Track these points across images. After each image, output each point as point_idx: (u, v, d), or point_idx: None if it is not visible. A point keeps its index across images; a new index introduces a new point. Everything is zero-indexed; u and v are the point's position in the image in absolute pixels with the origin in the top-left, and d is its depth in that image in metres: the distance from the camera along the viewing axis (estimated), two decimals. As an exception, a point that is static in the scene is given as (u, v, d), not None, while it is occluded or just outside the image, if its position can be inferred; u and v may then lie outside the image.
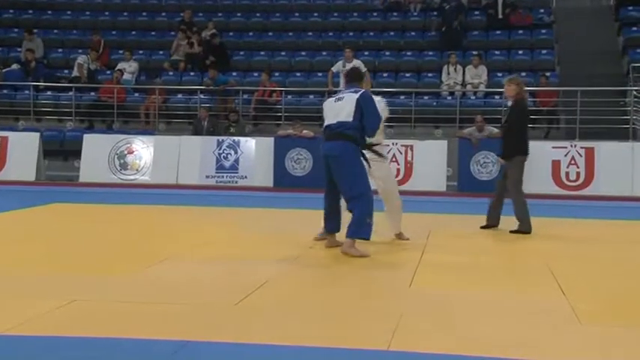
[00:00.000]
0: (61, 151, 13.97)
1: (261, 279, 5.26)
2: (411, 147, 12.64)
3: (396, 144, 12.65)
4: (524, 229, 7.64)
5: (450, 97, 14.95)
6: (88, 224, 8.28)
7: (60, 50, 16.91)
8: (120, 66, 15.56)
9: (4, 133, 13.38)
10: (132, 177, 13.01)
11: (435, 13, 17.14)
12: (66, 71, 15.95)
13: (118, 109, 14.63)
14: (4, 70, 15.51)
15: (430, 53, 16.29)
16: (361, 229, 6.15)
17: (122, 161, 13.09)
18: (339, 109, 6.27)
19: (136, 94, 15.44)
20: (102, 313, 4.35)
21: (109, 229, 7.75)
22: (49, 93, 15.36)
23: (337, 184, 6.28)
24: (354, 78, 6.59)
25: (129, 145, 13.18)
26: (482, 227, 7.91)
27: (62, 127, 14.61)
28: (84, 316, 4.30)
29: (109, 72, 15.72)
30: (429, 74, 15.77)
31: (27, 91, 15.12)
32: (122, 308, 4.45)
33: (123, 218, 8.98)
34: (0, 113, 14.84)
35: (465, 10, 16.99)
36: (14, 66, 15.61)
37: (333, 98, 6.46)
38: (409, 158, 12.57)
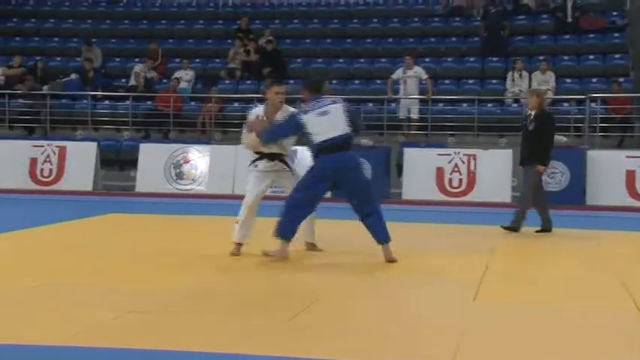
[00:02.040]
0: (117, 161, 14.30)
1: (314, 291, 5.27)
2: (474, 156, 12.49)
3: (459, 153, 12.53)
4: (513, 226, 8.37)
5: (515, 105, 14.73)
6: (144, 235, 8.44)
7: (117, 59, 17.35)
8: (176, 74, 15.86)
9: (63, 142, 13.76)
10: (188, 187, 13.21)
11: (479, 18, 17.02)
12: (123, 80, 16.34)
13: (174, 118, 14.91)
14: (63, 80, 15.98)
15: (494, 59, 16.11)
16: (388, 233, 6.42)
17: (178, 171, 13.31)
18: (332, 121, 6.40)
19: (193, 103, 15.71)
20: (157, 325, 4.42)
21: (164, 240, 7.88)
22: (106, 102, 15.76)
23: (355, 194, 6.40)
24: (318, 89, 6.71)
25: (185, 155, 13.40)
26: (536, 231, 8.48)
27: (119, 137, 14.97)
28: (140, 327, 4.37)
29: (165, 81, 16.04)
30: (493, 81, 15.57)
31: (85, 101, 15.55)
32: (177, 320, 4.52)
33: (179, 229, 9.12)
34: (58, 123, 15.29)
35: (508, 15, 16.80)
36: (73, 76, 16.07)
37: (314, 113, 6.42)
38: (472, 168, 12.43)
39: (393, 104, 14.81)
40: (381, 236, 6.39)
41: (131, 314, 4.60)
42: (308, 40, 17.55)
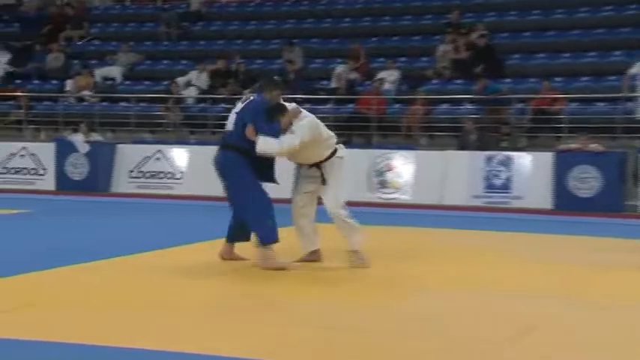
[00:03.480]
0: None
1: (532, 318, 5.03)
2: None
3: None
4: None
5: None
6: (344, 245, 8.56)
7: (319, 60, 17.87)
8: (380, 75, 16.01)
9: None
10: (391, 196, 13.27)
11: None
12: (325, 82, 16.77)
13: (377, 122, 15.05)
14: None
15: None
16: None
17: (381, 179, 13.41)
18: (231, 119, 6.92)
19: (397, 106, 15.78)
20: (352, 344, 4.44)
21: (367, 252, 7.94)
22: (307, 105, 16.25)
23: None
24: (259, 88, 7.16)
25: (388, 162, 13.47)
26: None
27: (320, 142, 15.35)
28: (332, 345, 4.42)
29: (368, 82, 16.25)
30: None
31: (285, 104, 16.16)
32: (375, 340, 4.51)
33: (381, 240, 9.17)
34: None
35: None
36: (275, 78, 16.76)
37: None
38: None
39: (630, 103, 13.90)
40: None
41: (324, 330, 4.66)
42: (527, 33, 17.00)
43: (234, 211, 6.94)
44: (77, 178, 14.50)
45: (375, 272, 6.82)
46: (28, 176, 14.94)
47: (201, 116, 16.34)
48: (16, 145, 15.26)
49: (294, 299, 5.78)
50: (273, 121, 6.71)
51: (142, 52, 18.66)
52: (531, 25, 17.15)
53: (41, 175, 14.90)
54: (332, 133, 7.14)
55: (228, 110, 17.51)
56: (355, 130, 15.36)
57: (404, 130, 15.16)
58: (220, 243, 7.10)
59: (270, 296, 5.87)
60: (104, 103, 16.88)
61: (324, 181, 6.93)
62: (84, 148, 14.49)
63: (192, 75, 16.79)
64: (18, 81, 18.07)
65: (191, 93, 16.66)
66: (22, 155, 15.06)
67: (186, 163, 14.46)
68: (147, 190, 14.16)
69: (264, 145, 6.63)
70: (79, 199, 13.58)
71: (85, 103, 17.03)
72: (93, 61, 18.38)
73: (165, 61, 18.48)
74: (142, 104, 16.48)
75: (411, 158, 13.49)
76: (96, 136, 14.85)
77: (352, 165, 13.70)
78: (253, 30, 19.31)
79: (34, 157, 15.00)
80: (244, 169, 6.74)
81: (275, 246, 6.76)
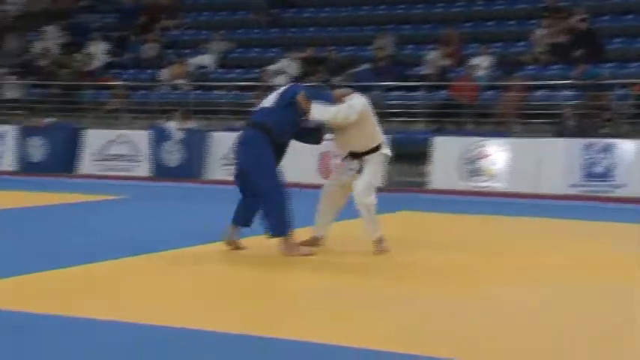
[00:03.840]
0: (408, 155, 14.54)
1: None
2: None
3: None
4: None
5: None
6: (437, 235, 8.48)
7: (410, 46, 17.70)
8: (473, 61, 15.75)
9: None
10: (484, 184, 13.06)
11: None
12: (416, 68, 16.61)
13: (470, 109, 14.82)
14: (354, 71, 16.69)
15: None
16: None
17: (474, 166, 13.22)
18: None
19: (491, 92, 15.49)
20: (446, 335, 4.38)
21: (458, 241, 7.83)
22: (397, 93, 16.15)
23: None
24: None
25: (481, 149, 13.26)
26: None
27: (410, 129, 15.25)
28: (423, 336, 4.37)
29: (461, 68, 16.01)
30: None
31: (376, 92, 16.08)
32: (471, 332, 4.43)
33: (473, 229, 9.03)
34: (351, 115, 15.98)
35: None
36: (364, 65, 16.70)
37: None
38: None
39: None
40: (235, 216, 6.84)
41: (422, 320, 4.61)
42: (630, 16, 16.37)
43: (250, 197, 6.81)
44: (171, 165, 14.82)
45: (472, 264, 6.71)
46: (124, 163, 15.36)
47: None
48: (113, 133, 15.72)
49: (391, 291, 5.74)
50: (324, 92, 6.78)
51: (234, 40, 18.89)
52: (634, 7, 16.50)
53: (137, 161, 15.29)
54: (379, 129, 7.05)
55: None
56: (447, 117, 15.17)
57: (498, 117, 14.89)
58: (309, 231, 7.10)
59: (374, 288, 5.86)
60: (197, 91, 17.18)
61: (360, 171, 6.85)
62: (178, 135, 14.80)
63: (283, 63, 16.88)
64: (115, 70, 18.59)
65: (281, 81, 16.76)
66: (119, 142, 15.49)
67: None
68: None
69: (319, 111, 6.59)
70: (174, 185, 13.88)
71: (179, 92, 17.37)
72: (186, 50, 18.73)
73: (256, 49, 18.65)
74: (234, 92, 16.70)
75: (504, 145, 13.24)
76: (190, 124, 15.14)
77: (443, 153, 13.63)
78: (345, 16, 19.26)
79: (131, 144, 15.42)
80: (265, 149, 6.66)
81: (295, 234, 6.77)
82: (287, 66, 16.83)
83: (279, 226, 6.66)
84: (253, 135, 6.74)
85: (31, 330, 4.44)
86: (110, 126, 16.59)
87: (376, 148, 6.90)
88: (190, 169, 14.68)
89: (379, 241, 6.92)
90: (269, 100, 6.90)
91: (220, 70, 18.03)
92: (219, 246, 7.00)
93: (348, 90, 7.04)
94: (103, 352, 4.06)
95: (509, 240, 8.07)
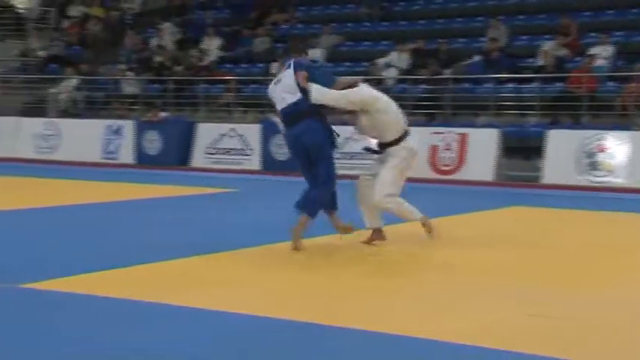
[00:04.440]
0: (521, 149, 14.21)
1: None
2: None
3: None
4: None
5: None
6: (550, 231, 8.24)
7: (524, 37, 17.25)
8: (592, 51, 15.20)
9: (464, 129, 14.16)
10: (603, 179, 12.60)
11: None
12: (530, 60, 16.19)
13: (588, 101, 14.32)
14: (465, 63, 16.43)
15: None
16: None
17: (592, 160, 12.77)
18: (281, 91, 6.85)
19: (611, 83, 14.91)
20: (561, 332, 4.24)
21: (573, 238, 7.59)
22: (510, 85, 15.79)
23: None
24: (290, 50, 7.18)
25: (600, 143, 12.80)
26: None
27: (523, 122, 14.87)
28: (542, 331, 4.25)
29: (578, 59, 15.49)
30: None
31: (488, 84, 15.77)
32: (585, 330, 4.28)
33: (588, 226, 8.73)
34: (459, 108, 15.75)
35: None
36: (475, 57, 16.41)
37: (273, 82, 6.99)
38: None
39: None
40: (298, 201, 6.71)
41: (532, 318, 4.49)
42: None
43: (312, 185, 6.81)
44: (281, 159, 15.00)
45: (586, 261, 6.49)
46: (236, 156, 15.66)
47: (400, 97, 16.32)
48: (225, 127, 16.05)
49: (502, 289, 5.62)
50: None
51: (344, 34, 18.92)
52: None
53: (248, 155, 15.57)
54: (402, 121, 6.94)
55: (428, 91, 17.37)
56: (563, 109, 14.71)
57: (618, 109, 14.32)
58: (434, 222, 7.03)
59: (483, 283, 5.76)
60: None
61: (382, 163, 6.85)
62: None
63: (393, 56, 16.78)
64: (228, 65, 18.98)
65: (391, 74, 16.68)
66: (231, 136, 15.81)
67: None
68: (349, 172, 14.36)
69: (320, 91, 6.62)
70: (283, 179, 14.05)
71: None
72: (297, 44, 18.88)
73: (366, 42, 18.63)
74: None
75: (625, 139, 12.72)
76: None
77: (558, 146, 13.23)
78: (455, 8, 18.97)
79: (242, 137, 15.70)
80: (325, 134, 6.73)
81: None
82: (396, 59, 16.73)
83: (312, 207, 6.72)
84: (316, 122, 6.73)
85: (148, 318, 4.59)
86: (222, 120, 16.95)
87: (397, 141, 6.81)
88: (300, 163, 14.81)
89: (424, 222, 6.90)
90: (286, 94, 6.77)
91: (329, 64, 18.11)
92: (329, 239, 7.03)
93: (355, 79, 7.12)
94: (218, 340, 4.16)
95: (626, 238, 7.75)
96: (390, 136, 6.85)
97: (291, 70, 6.77)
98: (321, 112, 6.76)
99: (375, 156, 7.09)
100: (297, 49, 7.15)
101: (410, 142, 6.91)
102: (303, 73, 6.65)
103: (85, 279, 5.57)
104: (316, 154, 6.72)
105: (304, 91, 6.64)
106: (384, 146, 6.90)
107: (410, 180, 10.97)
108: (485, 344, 4.03)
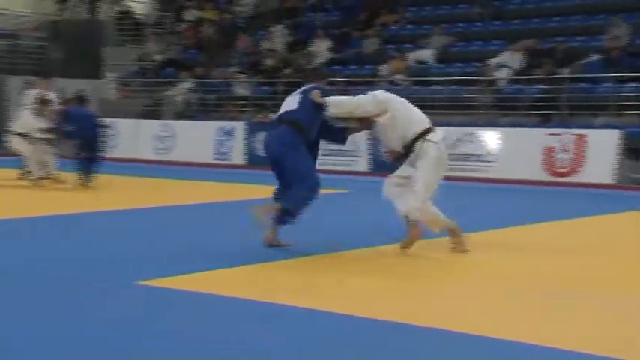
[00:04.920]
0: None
1: None
2: None
3: None
4: None
5: None
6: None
7: (648, 35, 16.53)
8: None
9: (582, 130, 13.70)
10: None
11: None
12: (653, 59, 15.51)
13: None
14: (583, 62, 15.89)
15: None
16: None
17: None
18: (289, 101, 7.12)
19: None
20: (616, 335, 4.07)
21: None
22: (632, 84, 15.17)
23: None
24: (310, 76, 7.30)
25: None
26: None
27: (646, 123, 14.26)
28: (592, 335, 4.06)
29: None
30: None
31: (607, 84, 15.21)
32: None
33: None
34: (578, 109, 15.24)
35: None
36: (594, 56, 15.86)
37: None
38: None
39: None
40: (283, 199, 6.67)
41: None
42: None
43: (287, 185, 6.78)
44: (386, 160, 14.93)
45: None
46: (345, 158, 15.68)
47: (513, 98, 15.95)
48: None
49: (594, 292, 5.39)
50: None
51: (455, 34, 18.66)
52: None
53: (356, 157, 15.57)
54: (424, 116, 6.80)
55: (544, 91, 16.98)
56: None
57: None
58: (546, 227, 6.84)
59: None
60: (416, 87, 17.16)
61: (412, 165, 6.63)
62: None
63: (505, 56, 16.43)
64: (337, 67, 19.04)
65: (503, 74, 16.33)
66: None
67: (498, 145, 14.21)
68: (456, 173, 14.15)
69: (336, 102, 6.66)
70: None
71: (398, 87, 17.45)
72: (407, 45, 18.77)
73: (477, 42, 18.31)
74: (452, 87, 16.51)
75: None
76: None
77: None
78: (571, 5, 18.38)
79: (351, 139, 15.67)
80: (299, 141, 6.73)
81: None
82: (509, 59, 16.36)
83: (296, 205, 6.70)
84: (287, 130, 6.83)
85: (264, 318, 4.62)
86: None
87: (422, 135, 6.60)
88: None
89: (449, 230, 6.74)
90: (293, 102, 6.96)
91: (440, 65, 17.89)
92: (435, 243, 6.94)
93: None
94: (337, 341, 4.15)
95: None
96: (416, 128, 6.66)
97: (303, 90, 7.01)
98: (302, 125, 6.81)
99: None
100: (319, 75, 7.47)
101: (435, 136, 6.72)
102: (316, 92, 6.81)
103: (199, 277, 5.67)
104: (282, 162, 6.80)
105: (307, 108, 6.79)
106: (409, 146, 6.66)
107: (522, 182, 10.68)
108: (543, 343, 3.99)
